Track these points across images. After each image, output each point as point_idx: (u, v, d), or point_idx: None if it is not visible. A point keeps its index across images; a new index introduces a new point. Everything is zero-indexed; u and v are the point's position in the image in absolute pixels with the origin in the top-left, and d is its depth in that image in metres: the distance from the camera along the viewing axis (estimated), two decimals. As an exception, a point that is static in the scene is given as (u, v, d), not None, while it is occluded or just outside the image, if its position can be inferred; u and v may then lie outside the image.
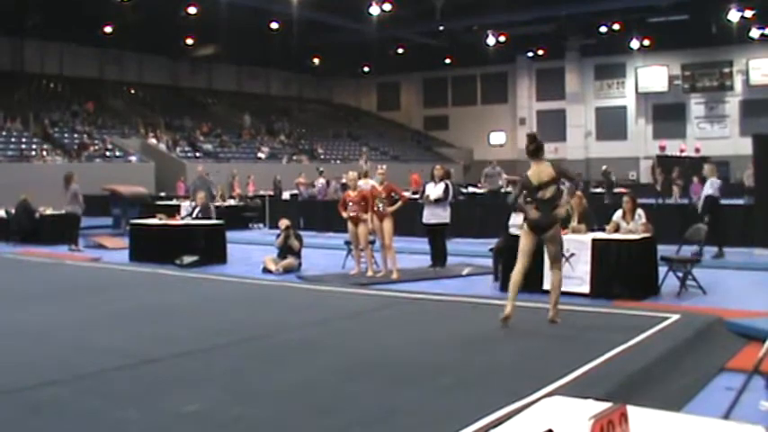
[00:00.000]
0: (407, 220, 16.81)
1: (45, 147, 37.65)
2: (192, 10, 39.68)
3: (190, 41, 48.47)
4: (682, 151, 44.99)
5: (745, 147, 33.38)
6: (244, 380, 7.20)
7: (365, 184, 15.43)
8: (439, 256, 15.84)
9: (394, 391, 6.77)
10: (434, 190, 15.70)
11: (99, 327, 9.85)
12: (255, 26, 43.02)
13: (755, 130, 29.21)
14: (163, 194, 33.39)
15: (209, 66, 54.98)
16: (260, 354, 8.28)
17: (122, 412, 6.17)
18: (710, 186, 16.82)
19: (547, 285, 10.68)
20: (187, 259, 16.62)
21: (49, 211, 23.16)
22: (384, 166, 15.78)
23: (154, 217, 19.04)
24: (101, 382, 7.14)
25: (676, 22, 45.22)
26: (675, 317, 9.61)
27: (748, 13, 41.74)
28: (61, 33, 44.79)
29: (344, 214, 15.14)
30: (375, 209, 14.58)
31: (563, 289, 11.59)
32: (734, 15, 41.00)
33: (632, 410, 2.48)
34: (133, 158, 39.39)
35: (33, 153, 36.88)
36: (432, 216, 15.69)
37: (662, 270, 12.42)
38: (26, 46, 47.02)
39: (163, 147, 41.90)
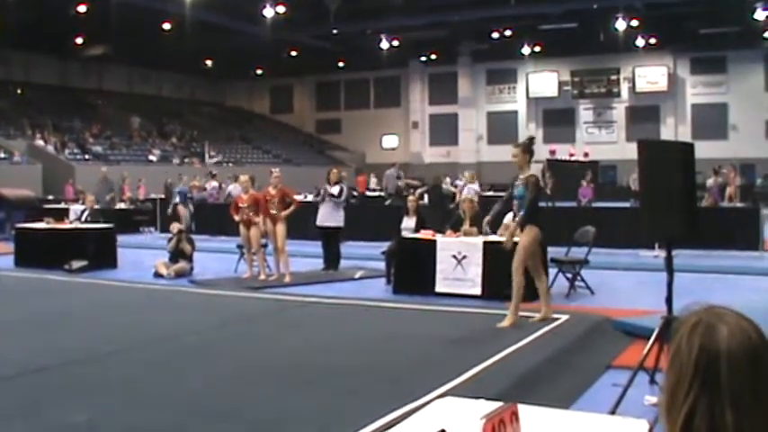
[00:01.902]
0: (300, 223, 16.79)
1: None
2: (82, 8, 38.72)
3: (80, 41, 47.23)
4: (571, 155, 45.86)
5: (631, 151, 33.98)
6: (138, 387, 7.05)
7: (234, 188, 15.47)
8: (332, 259, 15.88)
9: (293, 394, 6.75)
10: (331, 190, 15.79)
11: (-17, 335, 9.48)
12: (147, 26, 42.21)
13: (640, 135, 29.93)
14: (51, 197, 32.55)
15: (99, 66, 53.68)
16: (154, 360, 8.12)
17: (6, 425, 5.95)
18: (468, 192, 18.74)
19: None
20: (76, 264, 16.27)
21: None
22: (278, 170, 15.73)
23: (41, 221, 18.57)
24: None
25: (566, 30, 46.10)
26: (565, 317, 9.84)
27: (634, 23, 42.88)
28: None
29: (236, 217, 15.05)
30: (268, 212, 14.51)
31: (456, 291, 11.77)
32: (621, 24, 42.02)
33: (523, 409, 2.52)
34: (18, 159, 38.25)
35: None
36: (326, 219, 15.71)
37: (552, 271, 12.67)
38: None
39: (51, 149, 40.74)
